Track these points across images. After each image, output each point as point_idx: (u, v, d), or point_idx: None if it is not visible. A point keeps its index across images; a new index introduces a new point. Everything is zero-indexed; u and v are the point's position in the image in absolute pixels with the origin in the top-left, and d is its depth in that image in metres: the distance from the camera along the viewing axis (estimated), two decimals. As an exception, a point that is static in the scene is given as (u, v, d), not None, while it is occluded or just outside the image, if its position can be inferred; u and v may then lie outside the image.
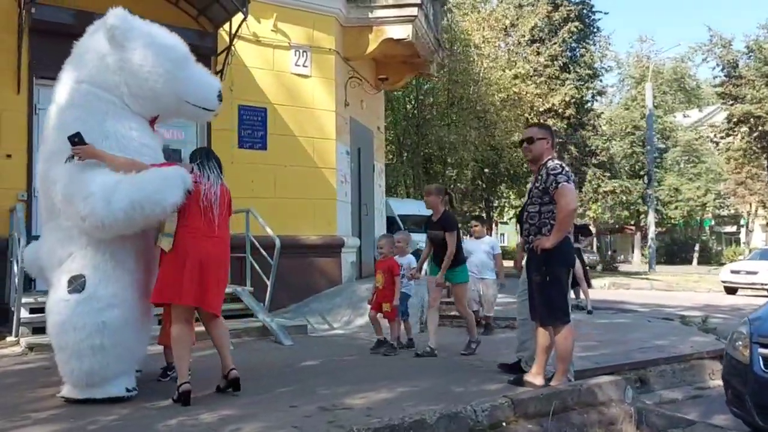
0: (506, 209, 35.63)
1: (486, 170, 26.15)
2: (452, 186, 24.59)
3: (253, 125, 9.09)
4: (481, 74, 22.20)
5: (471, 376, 5.27)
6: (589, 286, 10.68)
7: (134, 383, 4.39)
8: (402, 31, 10.04)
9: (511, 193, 31.22)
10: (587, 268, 10.62)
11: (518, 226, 5.32)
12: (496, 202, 32.97)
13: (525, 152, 5.00)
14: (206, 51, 8.60)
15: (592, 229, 34.77)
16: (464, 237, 8.86)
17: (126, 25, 4.39)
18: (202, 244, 4.34)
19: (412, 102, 23.15)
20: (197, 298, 4.31)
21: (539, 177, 4.73)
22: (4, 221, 7.33)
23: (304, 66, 9.53)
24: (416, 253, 7.50)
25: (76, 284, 4.17)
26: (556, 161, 4.70)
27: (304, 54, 9.54)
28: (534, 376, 4.74)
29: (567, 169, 4.64)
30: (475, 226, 8.42)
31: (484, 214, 27.80)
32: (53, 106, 4.52)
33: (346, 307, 8.77)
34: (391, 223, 15.06)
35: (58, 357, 4.25)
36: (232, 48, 8.80)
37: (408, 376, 5.24)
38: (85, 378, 4.16)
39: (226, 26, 8.72)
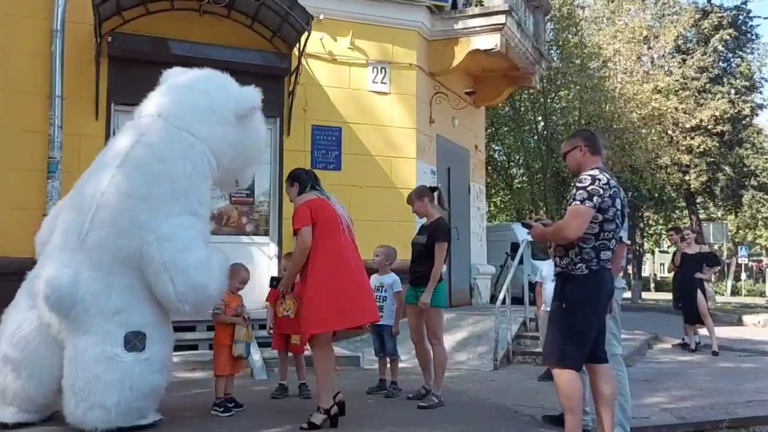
0: (658, 236, 32.80)
1: (627, 194, 24.19)
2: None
3: (327, 145, 8.81)
4: (617, 90, 20.64)
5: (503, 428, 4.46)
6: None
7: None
8: (489, 41, 9.36)
9: (659, 218, 28.67)
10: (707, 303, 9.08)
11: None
12: (647, 228, 30.45)
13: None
14: (279, 72, 8.52)
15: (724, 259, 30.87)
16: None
17: (258, 108, 4.61)
18: (352, 264, 4.36)
19: (539, 122, 21.99)
20: (362, 316, 4.41)
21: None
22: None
23: (382, 83, 9.14)
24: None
25: (136, 342, 3.99)
26: (593, 172, 3.79)
27: (383, 70, 9.15)
28: None
29: (600, 184, 3.68)
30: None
31: (629, 242, 25.71)
32: (157, 145, 4.27)
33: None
34: (514, 249, 14.10)
35: (92, 413, 3.90)
36: (306, 67, 8.65)
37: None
38: (126, 422, 4.03)
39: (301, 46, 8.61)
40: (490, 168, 23.89)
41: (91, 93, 7.80)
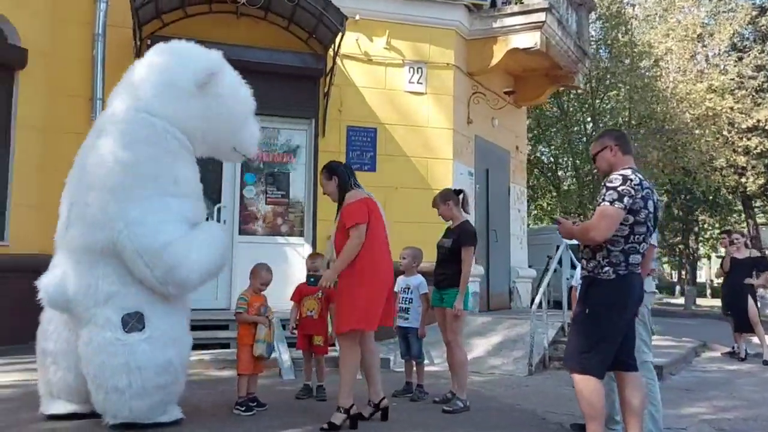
0: (714, 241, 31.61)
1: (680, 196, 23.42)
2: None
3: (362, 146, 8.78)
4: (669, 90, 20.01)
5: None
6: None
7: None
8: (529, 40, 9.17)
9: (714, 222, 27.67)
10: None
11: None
12: (702, 233, 29.41)
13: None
14: (315, 73, 8.54)
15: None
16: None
17: (221, 73, 4.35)
18: (388, 264, 4.40)
19: (588, 123, 21.50)
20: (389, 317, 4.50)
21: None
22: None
23: (418, 83, 9.06)
24: None
25: (134, 322, 3.99)
26: (625, 172, 3.59)
27: (419, 70, 9.07)
28: None
29: (632, 184, 3.50)
30: None
31: (682, 246, 24.89)
32: (115, 132, 4.15)
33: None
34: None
35: (109, 398, 3.94)
36: (342, 68, 8.66)
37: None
38: (145, 415, 4.01)
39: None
40: (536, 170, 23.52)
41: (131, 95, 7.94)
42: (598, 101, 21.37)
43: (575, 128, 21.80)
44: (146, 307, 4.04)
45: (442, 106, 9.15)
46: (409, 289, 5.48)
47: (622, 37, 20.78)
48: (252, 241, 8.24)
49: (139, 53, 7.90)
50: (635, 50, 19.84)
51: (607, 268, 3.55)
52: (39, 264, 7.24)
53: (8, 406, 4.69)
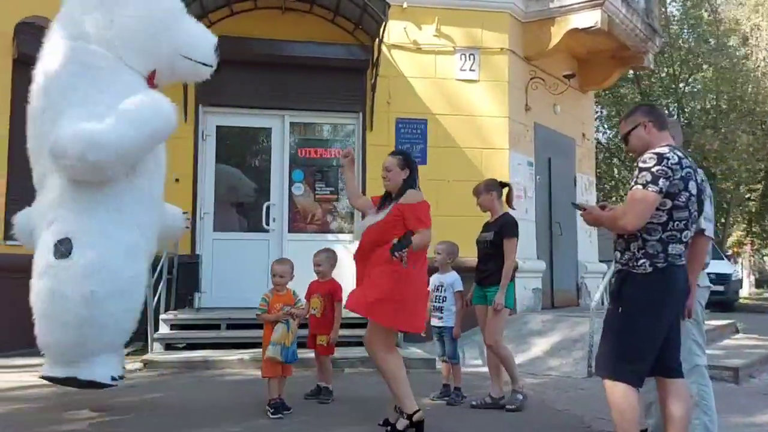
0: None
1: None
2: (732, 203, 20.94)
3: (412, 138, 8.47)
4: (760, 69, 18.60)
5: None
6: None
7: (121, 371, 4.18)
8: (589, 19, 8.58)
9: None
10: None
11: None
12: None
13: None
14: (361, 65, 8.32)
15: None
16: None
17: None
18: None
19: (672, 107, 20.26)
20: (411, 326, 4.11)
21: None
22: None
23: (471, 70, 8.66)
24: None
25: (63, 249, 3.92)
26: (661, 150, 3.12)
27: (471, 57, 8.67)
28: None
29: (669, 164, 3.03)
30: None
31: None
32: (43, 64, 4.30)
33: (510, 341, 7.53)
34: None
35: (40, 326, 3.99)
36: (390, 58, 8.40)
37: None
38: (70, 351, 3.95)
39: (384, 37, 8.36)
40: (616, 159, 22.40)
41: (180, 96, 7.98)
42: (682, 84, 20.12)
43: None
44: (81, 234, 3.93)
45: (496, 94, 8.71)
46: (442, 286, 5.16)
47: (708, 15, 19.48)
48: (301, 239, 8.10)
49: (185, 53, 7.96)
50: (720, 29, 18.52)
51: (642, 261, 3.11)
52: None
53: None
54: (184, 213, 5.12)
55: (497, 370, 4.98)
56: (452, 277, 5.17)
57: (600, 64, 10.21)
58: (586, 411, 4.83)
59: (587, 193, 10.81)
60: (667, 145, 3.19)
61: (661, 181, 3.01)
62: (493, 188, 5.03)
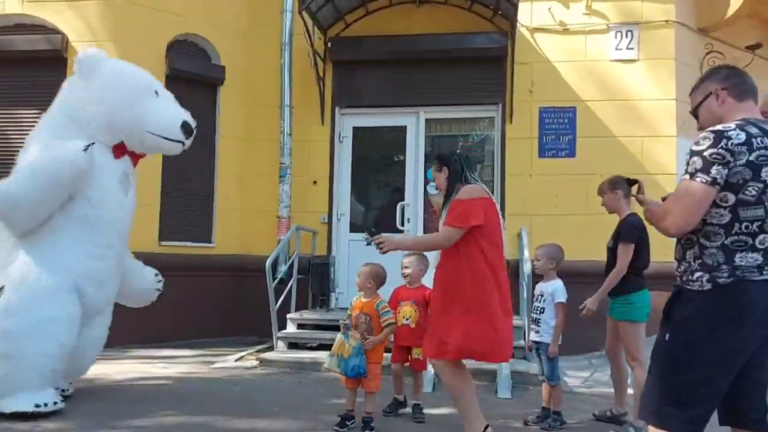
0: None
1: None
2: None
3: (558, 129, 7.66)
4: None
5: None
6: None
7: (50, 398, 4.24)
8: (780, -26, 7.08)
9: None
10: None
11: None
12: None
13: None
14: (499, 52, 7.74)
15: None
16: None
17: (92, 60, 4.64)
18: (503, 280, 3.60)
19: None
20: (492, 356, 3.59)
21: None
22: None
23: (628, 49, 7.60)
24: None
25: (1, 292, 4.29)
26: (725, 126, 2.30)
27: (629, 34, 7.61)
28: None
29: (729, 144, 2.23)
30: None
31: None
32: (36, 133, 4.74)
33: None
34: None
35: None
36: (532, 43, 7.73)
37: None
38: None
39: (526, 21, 7.71)
40: None
41: (317, 99, 8.10)
42: None
43: None
44: (6, 281, 4.25)
45: (660, 73, 7.54)
46: (542, 296, 4.49)
47: None
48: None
49: (324, 58, 8.05)
50: None
51: (698, 274, 2.33)
52: (241, 264, 7.90)
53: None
54: (156, 275, 5.18)
55: (619, 383, 4.55)
56: (553, 286, 4.46)
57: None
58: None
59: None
60: (743, 119, 2.37)
61: (714, 169, 2.23)
62: (618, 186, 4.43)
